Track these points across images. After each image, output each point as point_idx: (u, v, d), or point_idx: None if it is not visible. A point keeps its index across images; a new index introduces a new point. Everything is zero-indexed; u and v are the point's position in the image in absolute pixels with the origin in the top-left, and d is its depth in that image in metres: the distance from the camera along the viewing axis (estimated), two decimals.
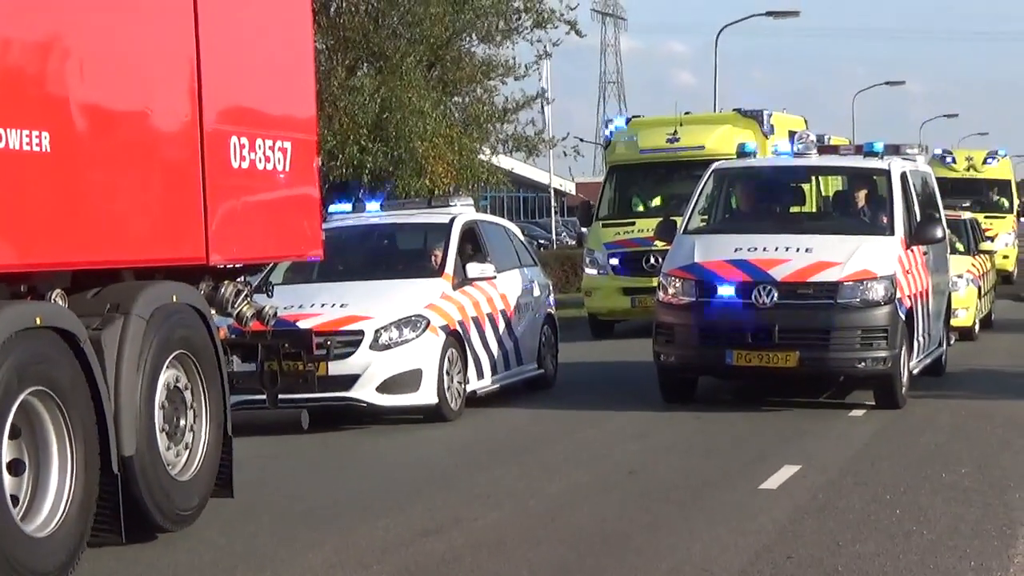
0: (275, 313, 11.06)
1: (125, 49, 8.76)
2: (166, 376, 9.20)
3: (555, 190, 55.40)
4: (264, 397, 11.29)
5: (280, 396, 11.41)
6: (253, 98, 10.35)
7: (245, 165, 10.00)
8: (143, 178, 8.97)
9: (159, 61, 9.16)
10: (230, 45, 9.87)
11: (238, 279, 10.55)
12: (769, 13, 42.46)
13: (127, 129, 8.82)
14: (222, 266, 10.18)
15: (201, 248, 9.56)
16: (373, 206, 17.37)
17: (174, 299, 9.29)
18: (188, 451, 9.53)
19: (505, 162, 34.89)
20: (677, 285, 15.15)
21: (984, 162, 35.99)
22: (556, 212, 55.30)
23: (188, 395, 9.52)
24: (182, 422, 9.46)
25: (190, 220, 9.46)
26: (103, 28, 8.58)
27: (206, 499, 9.71)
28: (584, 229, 25.89)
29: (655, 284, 16.22)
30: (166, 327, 9.11)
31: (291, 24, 11.01)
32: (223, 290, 10.28)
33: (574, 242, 49.63)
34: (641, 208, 24.35)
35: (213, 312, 9.99)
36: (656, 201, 24.32)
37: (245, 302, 10.46)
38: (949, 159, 35.86)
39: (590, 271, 24.35)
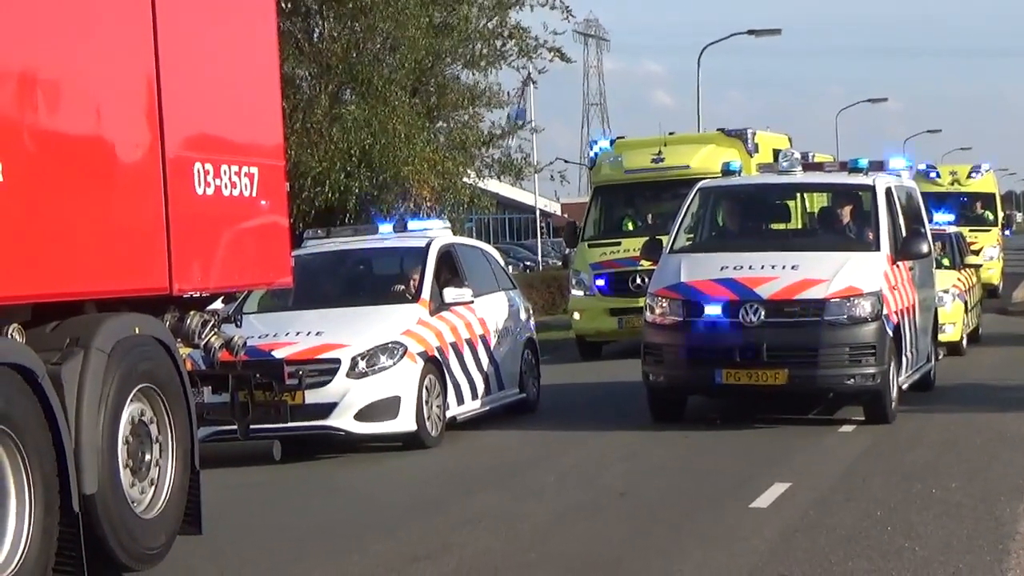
0: (244, 343, 10.86)
1: (83, 76, 8.52)
2: (130, 410, 8.91)
3: (540, 211, 55.44)
4: (235, 428, 11.13)
5: (253, 427, 11.27)
6: (217, 124, 10.06)
7: (210, 192, 9.69)
8: (103, 207, 8.68)
9: (118, 87, 8.89)
10: (192, 70, 9.61)
11: (205, 309, 10.26)
12: (751, 32, 42.59)
13: (85, 157, 8.55)
14: (187, 296, 9.88)
15: (164, 278, 9.26)
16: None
17: (136, 331, 9.00)
18: (154, 487, 9.21)
19: (491, 184, 34.83)
20: (664, 305, 15.13)
21: (968, 176, 36.05)
22: (542, 233, 55.30)
23: (154, 429, 9.22)
24: (147, 457, 9.15)
25: (153, 249, 9.16)
26: (59, 54, 8.33)
27: (173, 536, 9.35)
28: (570, 250, 25.81)
29: (642, 304, 16.17)
30: (128, 360, 8.83)
31: (256, 48, 10.72)
32: (189, 321, 9.96)
33: (560, 263, 49.59)
34: (628, 228, 24.34)
35: (179, 343, 9.74)
36: (642, 221, 24.30)
37: (213, 332, 10.19)
38: (933, 174, 35.91)
39: (577, 292, 24.28)
